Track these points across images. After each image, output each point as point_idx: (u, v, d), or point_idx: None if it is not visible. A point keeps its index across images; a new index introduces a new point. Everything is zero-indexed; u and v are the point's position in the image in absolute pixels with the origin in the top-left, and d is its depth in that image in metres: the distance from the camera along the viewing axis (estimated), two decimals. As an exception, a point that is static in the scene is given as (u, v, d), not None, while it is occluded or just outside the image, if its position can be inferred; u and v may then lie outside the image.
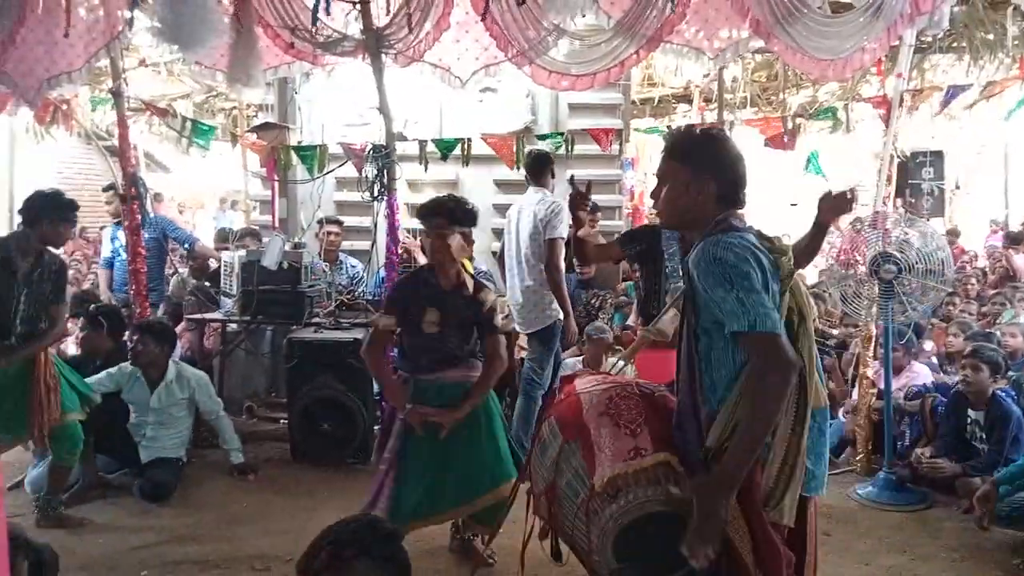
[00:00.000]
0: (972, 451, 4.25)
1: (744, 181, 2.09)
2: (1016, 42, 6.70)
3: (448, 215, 3.33)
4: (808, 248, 3.12)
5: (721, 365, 1.99)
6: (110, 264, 6.38)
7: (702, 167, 2.04)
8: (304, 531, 3.85)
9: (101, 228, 11.61)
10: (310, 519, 4.04)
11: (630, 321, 5.56)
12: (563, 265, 4.66)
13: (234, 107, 8.85)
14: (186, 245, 6.38)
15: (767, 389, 1.88)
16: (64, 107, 5.50)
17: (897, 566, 3.59)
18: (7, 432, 3.97)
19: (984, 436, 4.18)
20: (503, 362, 3.47)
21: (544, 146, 5.24)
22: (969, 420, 4.25)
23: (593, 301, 5.88)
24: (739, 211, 2.09)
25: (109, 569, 3.56)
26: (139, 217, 4.87)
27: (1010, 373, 4.53)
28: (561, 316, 4.69)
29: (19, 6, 4.49)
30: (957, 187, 12.72)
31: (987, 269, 8.84)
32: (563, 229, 4.61)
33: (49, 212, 3.82)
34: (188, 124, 5.38)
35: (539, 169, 4.79)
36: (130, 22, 4.51)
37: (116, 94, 4.75)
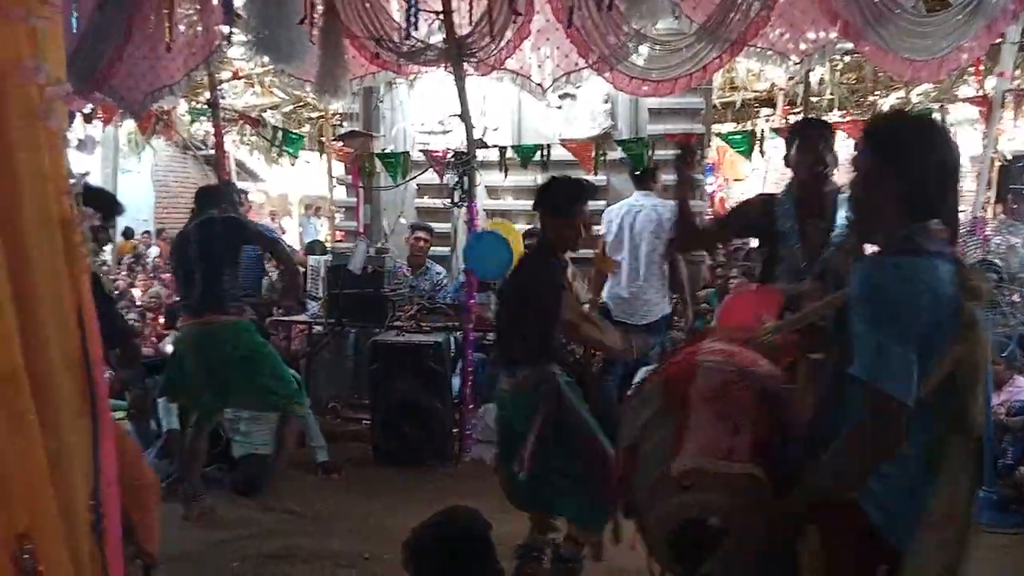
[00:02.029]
0: None
1: (948, 186, 1.74)
2: None
3: (589, 197, 3.32)
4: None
5: (855, 400, 1.71)
6: None
7: (887, 159, 1.73)
8: (385, 530, 3.96)
9: (156, 232, 12.24)
10: (390, 519, 4.13)
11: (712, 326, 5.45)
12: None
13: (320, 116, 9.14)
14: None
15: (860, 450, 1.68)
16: (165, 118, 5.79)
17: (999, 589, 3.42)
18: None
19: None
20: None
21: (623, 153, 5.20)
22: None
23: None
24: (936, 225, 1.74)
25: (202, 560, 3.72)
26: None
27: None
28: (667, 312, 5.04)
29: (125, 26, 4.76)
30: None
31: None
32: None
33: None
34: (279, 133, 5.58)
35: (650, 174, 5.07)
36: (227, 37, 4.73)
37: (213, 105, 4.99)
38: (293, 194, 16.71)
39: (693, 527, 1.91)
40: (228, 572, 3.61)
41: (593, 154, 5.09)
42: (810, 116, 4.71)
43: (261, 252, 6.47)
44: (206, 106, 5.28)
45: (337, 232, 7.45)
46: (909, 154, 1.71)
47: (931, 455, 1.71)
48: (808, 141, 3.05)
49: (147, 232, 12.91)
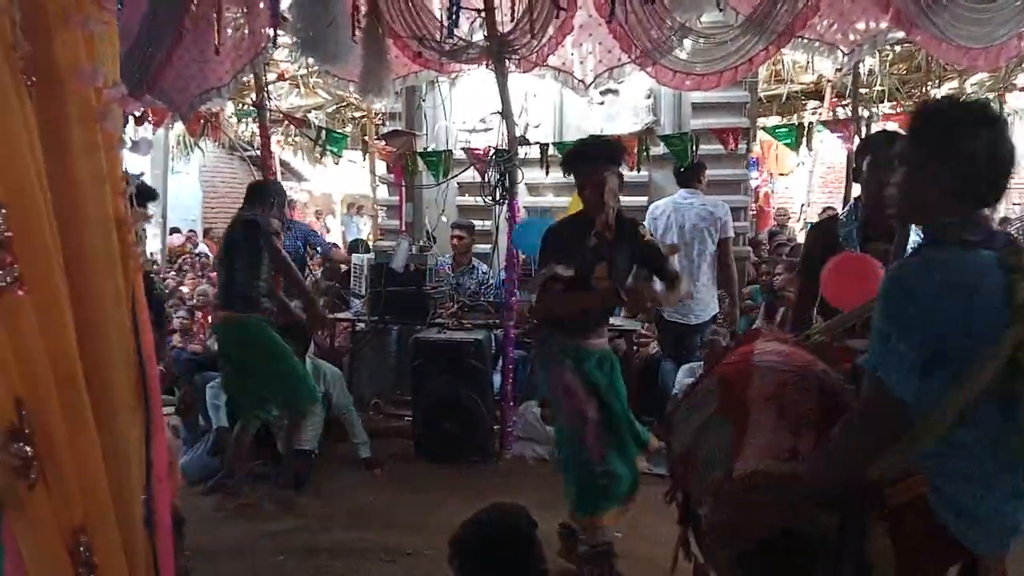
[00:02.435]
0: None
1: (999, 175, 1.67)
2: None
3: (607, 154, 3.16)
4: None
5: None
6: None
7: (933, 148, 1.68)
8: (426, 526, 3.99)
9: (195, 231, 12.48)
10: (432, 515, 4.16)
11: (757, 324, 5.37)
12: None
13: (363, 116, 9.23)
14: (322, 251, 6.87)
15: (853, 439, 1.70)
16: (212, 120, 5.91)
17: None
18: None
19: None
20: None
21: (667, 148, 5.16)
22: None
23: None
24: (983, 213, 1.70)
25: (247, 553, 3.78)
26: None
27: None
28: (716, 311, 5.16)
29: (175, 29, 4.87)
30: None
31: None
32: (732, 230, 5.19)
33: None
34: (323, 133, 5.65)
35: (694, 172, 5.15)
36: (273, 39, 4.80)
37: (259, 106, 5.06)
38: (336, 193, 16.90)
39: (778, 540, 1.84)
40: (272, 565, 3.67)
41: (636, 150, 5.03)
42: (885, 129, 4.54)
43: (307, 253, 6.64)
44: (252, 107, 5.36)
45: (380, 231, 7.52)
46: (956, 142, 1.65)
47: (1005, 447, 1.64)
48: (880, 158, 2.80)
49: (192, 231, 13.19)
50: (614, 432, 3.28)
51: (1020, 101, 7.57)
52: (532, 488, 4.31)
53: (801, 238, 8.75)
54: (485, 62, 4.83)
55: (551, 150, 5.19)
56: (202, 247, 12.29)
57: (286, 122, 7.49)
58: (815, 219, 9.89)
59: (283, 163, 12.46)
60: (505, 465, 4.98)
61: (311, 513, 4.29)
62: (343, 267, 6.45)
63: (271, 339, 4.27)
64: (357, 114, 9.80)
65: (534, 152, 5.45)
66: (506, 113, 4.79)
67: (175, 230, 12.46)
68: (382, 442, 5.29)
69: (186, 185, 13.38)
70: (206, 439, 4.93)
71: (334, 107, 9.40)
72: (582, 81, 4.92)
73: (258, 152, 8.22)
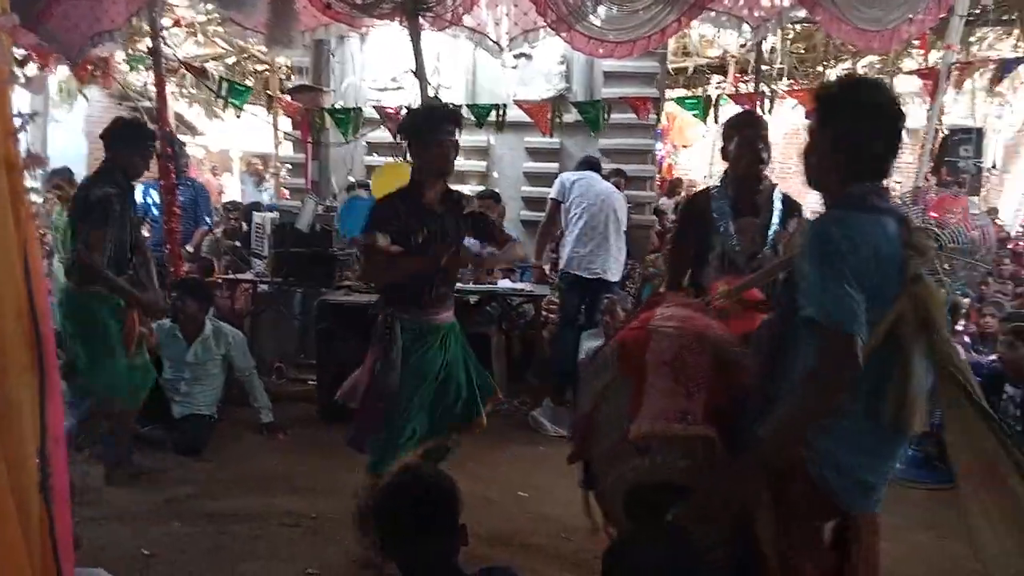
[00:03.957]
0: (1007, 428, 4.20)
1: (888, 147, 1.78)
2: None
3: (454, 121, 3.09)
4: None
5: (807, 351, 1.77)
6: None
7: (831, 124, 1.80)
8: (331, 491, 3.93)
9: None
10: (336, 479, 4.09)
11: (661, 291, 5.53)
12: None
13: (266, 69, 8.84)
14: (205, 224, 6.32)
15: (818, 382, 1.71)
16: (102, 66, 5.51)
17: (924, 543, 3.58)
18: None
19: (1020, 414, 4.13)
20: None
21: (579, 115, 5.20)
22: (1005, 397, 4.21)
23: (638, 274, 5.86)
24: (879, 184, 1.82)
25: (142, 520, 3.63)
26: (174, 176, 4.89)
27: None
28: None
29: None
30: (994, 166, 12.44)
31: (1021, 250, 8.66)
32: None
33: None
34: (224, 84, 5.36)
35: (599, 166, 5.45)
36: (171, -20, 4.51)
37: (154, 53, 4.75)
38: (234, 150, 16.17)
39: (649, 489, 1.93)
40: (167, 533, 3.53)
41: (549, 116, 5.03)
42: (750, 110, 4.83)
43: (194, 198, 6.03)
44: (146, 54, 5.02)
45: (283, 190, 7.26)
46: (854, 118, 1.77)
47: (879, 412, 1.74)
48: (747, 138, 3.01)
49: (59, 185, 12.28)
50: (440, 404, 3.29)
51: (906, 85, 8.00)
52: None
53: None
54: (398, 19, 4.70)
55: (464, 112, 5.11)
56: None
57: (182, 72, 7.07)
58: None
59: (177, 115, 11.80)
60: (412, 428, 4.95)
61: (209, 479, 4.16)
62: (244, 225, 6.20)
63: (89, 319, 3.83)
64: (259, 67, 9.38)
65: (446, 113, 5.35)
66: (419, 72, 4.69)
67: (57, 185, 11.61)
68: (285, 406, 5.17)
69: (69, 136, 12.47)
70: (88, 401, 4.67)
71: (235, 58, 8.96)
72: (496, 43, 4.86)
73: (150, 103, 7.76)
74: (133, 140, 3.77)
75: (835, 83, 1.96)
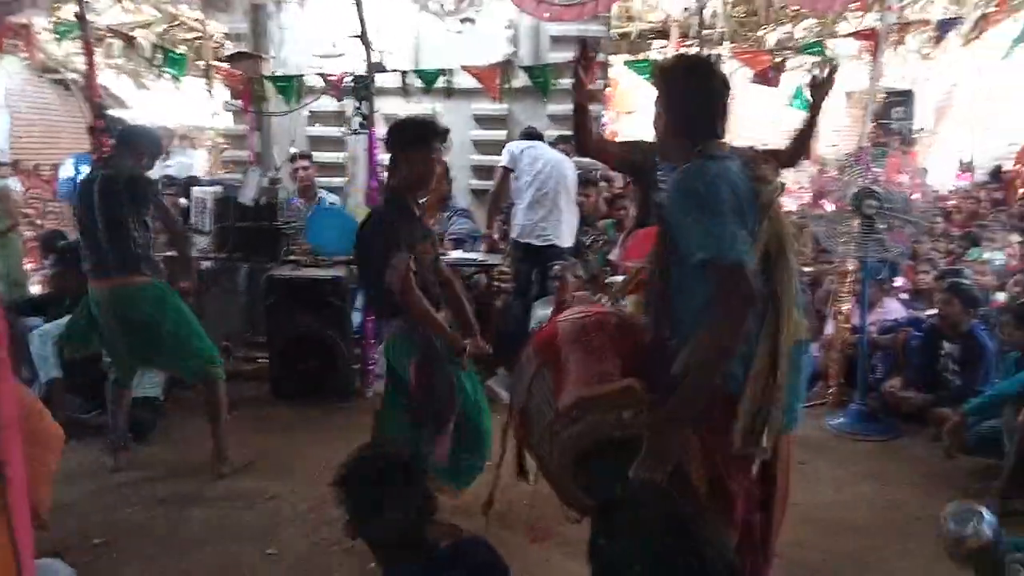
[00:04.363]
0: (941, 383, 4.38)
1: (718, 112, 2.02)
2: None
3: (441, 136, 3.13)
4: (799, 139, 3.29)
5: (692, 296, 1.92)
6: (71, 195, 6.16)
7: (669, 96, 2.05)
8: (287, 469, 3.89)
9: (34, 166, 11.15)
10: (292, 457, 4.05)
11: (612, 256, 5.55)
12: None
13: (198, 37, 8.48)
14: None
15: (724, 319, 1.82)
16: (23, 34, 5.20)
17: (868, 492, 3.72)
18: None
19: (958, 368, 4.30)
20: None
21: (529, 80, 5.14)
22: (943, 353, 4.37)
23: (583, 239, 5.84)
24: (719, 141, 2.02)
25: (90, 508, 3.54)
26: (107, 150, 4.66)
27: (981, 308, 4.64)
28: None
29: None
30: (922, 128, 12.84)
31: (950, 209, 8.99)
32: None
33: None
34: (158, 53, 5.11)
35: (542, 138, 5.40)
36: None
37: (81, 19, 4.48)
38: (165, 122, 15.56)
39: (595, 449, 2.03)
40: (123, 519, 3.45)
41: (498, 80, 4.96)
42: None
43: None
44: (74, 20, 4.73)
45: (221, 163, 7.02)
46: (688, 89, 2.02)
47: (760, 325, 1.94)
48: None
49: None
50: None
51: (843, 48, 8.14)
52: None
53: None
54: (339, -19, 4.54)
55: (411, 78, 5.01)
56: (12, 182, 10.97)
57: (107, 40, 6.73)
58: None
59: (103, 87, 11.30)
60: (367, 403, 4.87)
61: (159, 463, 4.06)
62: (183, 201, 5.98)
63: (178, 304, 3.87)
64: (190, 35, 9.01)
65: (392, 81, 5.24)
66: (364, 37, 4.54)
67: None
68: (235, 385, 4.96)
69: (-14, 110, 11.83)
70: (33, 391, 4.49)
71: (165, 26, 8.58)
72: (442, 6, 4.75)
73: (73, 74, 7.40)
74: None
75: (669, 62, 2.24)
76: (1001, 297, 5.02)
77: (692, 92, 2.02)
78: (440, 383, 3.04)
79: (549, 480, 2.28)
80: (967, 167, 10.54)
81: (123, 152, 3.83)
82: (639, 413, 1.97)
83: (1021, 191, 8.12)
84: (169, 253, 4.21)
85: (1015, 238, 6.37)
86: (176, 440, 4.36)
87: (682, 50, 8.79)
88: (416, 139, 3.03)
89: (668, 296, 2.02)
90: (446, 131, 3.19)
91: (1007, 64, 7.67)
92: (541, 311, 5.02)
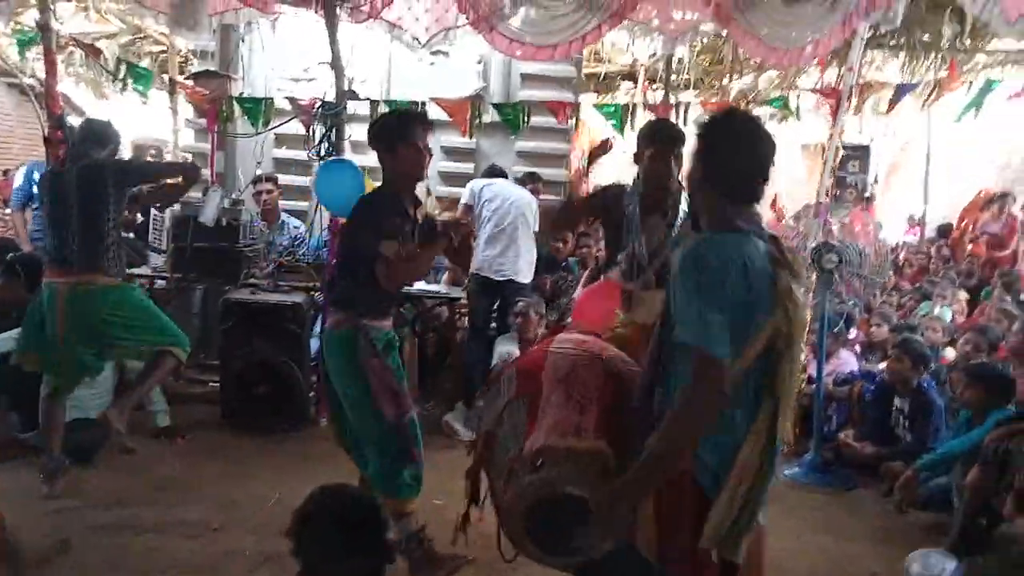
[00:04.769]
0: (894, 437, 4.45)
1: (757, 173, 1.91)
2: (948, 44, 6.99)
3: (429, 125, 3.14)
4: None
5: (681, 370, 1.86)
6: (22, 206, 5.97)
7: (713, 151, 1.93)
8: (235, 499, 3.79)
9: (4, 172, 10.82)
10: (242, 486, 3.95)
11: (575, 295, 5.56)
12: None
13: (163, 51, 8.36)
14: None
15: (691, 409, 1.78)
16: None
17: (824, 543, 3.74)
18: None
19: (908, 424, 4.38)
20: None
21: (498, 116, 5.17)
22: (895, 408, 4.45)
23: (560, 283, 5.82)
24: (750, 208, 1.93)
25: (29, 534, 3.32)
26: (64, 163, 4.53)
27: (931, 365, 4.75)
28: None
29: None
30: (876, 181, 13.26)
31: (901, 263, 9.27)
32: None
33: None
34: (123, 66, 5.01)
35: (505, 176, 5.40)
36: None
37: (44, 28, 4.38)
38: (126, 135, 15.25)
39: (547, 504, 1.98)
40: (59, 547, 3.28)
41: (468, 115, 4.98)
42: (664, 120, 4.79)
43: None
44: (35, 29, 4.62)
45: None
46: (722, 147, 1.92)
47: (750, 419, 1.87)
48: (662, 153, 3.09)
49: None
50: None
51: (801, 100, 8.38)
52: (348, 458, 4.19)
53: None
54: (313, 6, 4.53)
55: (382, 107, 5.00)
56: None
57: (68, 49, 6.59)
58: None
59: (63, 96, 11.03)
60: (320, 432, 4.79)
61: (101, 489, 3.91)
62: (139, 217, 5.84)
63: (145, 302, 3.85)
64: (155, 48, 8.86)
65: (363, 108, 5.23)
66: (335, 64, 4.53)
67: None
68: (184, 409, 4.92)
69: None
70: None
71: (129, 37, 8.43)
72: (416, 39, 4.77)
73: (29, 79, 7.21)
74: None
75: (720, 115, 2.07)
76: (950, 353, 5.14)
77: (739, 152, 1.91)
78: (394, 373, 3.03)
79: (497, 511, 2.22)
80: (916, 222, 10.89)
81: (90, 144, 3.73)
82: (601, 477, 1.94)
83: (968, 247, 8.40)
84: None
85: (962, 295, 6.58)
86: (119, 464, 4.23)
87: (648, 94, 8.98)
88: (398, 134, 3.01)
89: (664, 354, 1.94)
90: (426, 116, 3.20)
91: (957, 125, 8.02)
92: (503, 347, 5.01)
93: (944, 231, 9.55)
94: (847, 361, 5.15)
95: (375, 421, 3.02)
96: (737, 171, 1.91)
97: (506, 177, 5.42)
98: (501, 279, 5.12)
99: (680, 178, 3.10)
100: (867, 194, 10.53)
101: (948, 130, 9.53)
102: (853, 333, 5.75)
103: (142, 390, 3.82)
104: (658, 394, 1.93)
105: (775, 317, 1.82)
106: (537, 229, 5.13)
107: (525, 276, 5.22)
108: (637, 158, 3.22)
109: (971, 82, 5.53)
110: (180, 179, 3.98)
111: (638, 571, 1.61)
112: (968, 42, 6.97)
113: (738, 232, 1.86)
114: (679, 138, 3.18)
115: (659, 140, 3.14)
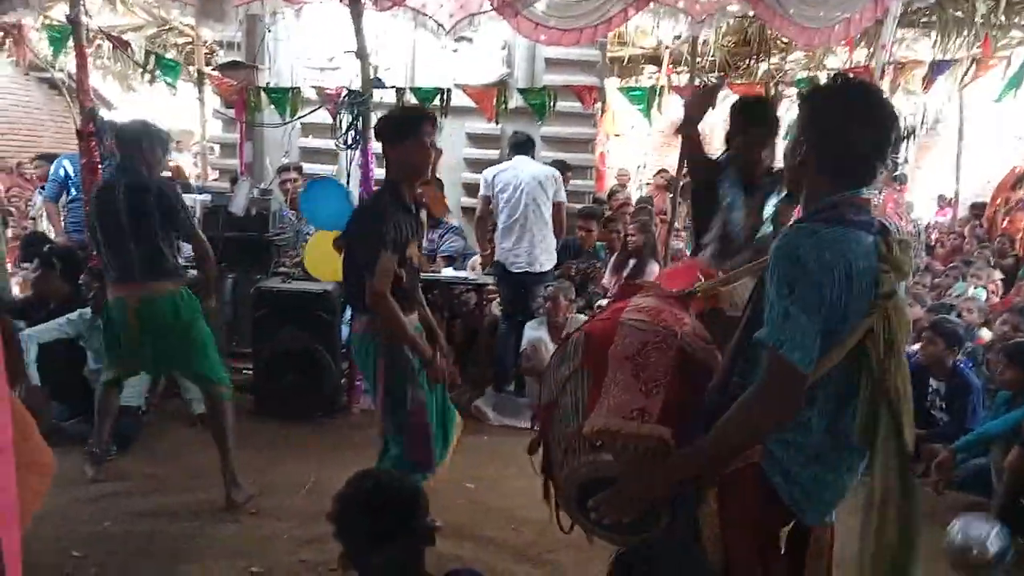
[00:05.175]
0: (931, 419, 4.40)
1: (878, 156, 1.66)
2: (982, 20, 6.84)
3: (434, 123, 3.08)
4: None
5: (761, 367, 1.71)
6: (56, 196, 6.06)
7: (821, 124, 1.70)
8: (271, 485, 3.83)
9: (33, 160, 10.99)
10: (276, 472, 3.99)
11: (605, 281, 5.55)
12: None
13: (189, 43, 8.43)
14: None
15: (754, 412, 1.67)
16: (15, 34, 5.12)
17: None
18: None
19: (944, 405, 4.32)
20: None
21: (524, 102, 5.15)
22: (931, 390, 4.39)
23: (588, 270, 5.76)
24: (863, 193, 1.69)
25: (69, 520, 3.44)
26: (97, 155, 4.59)
27: (967, 345, 4.68)
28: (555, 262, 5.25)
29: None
30: (906, 161, 13.05)
31: (933, 243, 9.12)
32: (564, 195, 5.24)
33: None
34: (152, 58, 5.05)
35: (528, 145, 5.16)
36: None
37: (74, 22, 4.43)
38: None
39: (599, 485, 1.90)
40: (98, 533, 3.36)
41: (494, 101, 4.97)
42: (759, 96, 4.51)
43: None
44: (64, 23, 4.67)
45: (210, 170, 6.95)
46: (830, 119, 1.67)
47: (839, 425, 1.73)
48: (756, 137, 3.03)
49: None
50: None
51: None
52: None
53: (636, 199, 9.13)
54: (338, -5, 4.53)
55: (407, 95, 5.00)
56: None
57: (96, 42, 6.66)
58: (649, 180, 10.37)
59: (92, 88, 11.16)
60: (354, 419, 4.85)
61: (139, 475, 3.98)
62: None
63: (198, 314, 3.78)
64: (181, 40, 8.94)
65: (389, 96, 5.23)
66: (361, 53, 4.53)
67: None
68: (218, 397, 4.97)
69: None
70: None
71: (155, 30, 8.51)
72: (441, 25, 4.75)
73: (59, 74, 7.31)
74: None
75: (826, 83, 1.85)
76: (986, 334, 5.06)
77: (853, 125, 1.65)
78: (405, 387, 3.01)
79: (554, 484, 2.14)
80: (948, 202, 10.70)
81: (134, 156, 3.69)
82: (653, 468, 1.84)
83: (1003, 224, 8.24)
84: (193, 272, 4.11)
85: (997, 275, 6.46)
86: (157, 451, 4.28)
87: (673, 76, 8.89)
88: (405, 129, 2.99)
89: (747, 351, 1.79)
90: (433, 116, 3.15)
91: (986, 103, 7.84)
92: (532, 332, 5.01)
93: (978, 210, 9.38)
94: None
95: (395, 426, 3.06)
96: (849, 149, 1.66)
97: (530, 144, 5.22)
98: (518, 271, 5.10)
99: (777, 157, 3.02)
100: (898, 174, 10.32)
101: (979, 108, 9.34)
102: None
103: (228, 454, 3.74)
104: (734, 388, 1.79)
105: (873, 319, 1.64)
106: (559, 200, 5.09)
107: (543, 265, 5.13)
108: (730, 136, 3.16)
109: (1009, 59, 5.39)
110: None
111: (690, 565, 1.56)
112: (1003, 18, 6.80)
113: (845, 226, 1.64)
114: (775, 116, 3.13)
115: (756, 118, 3.06)
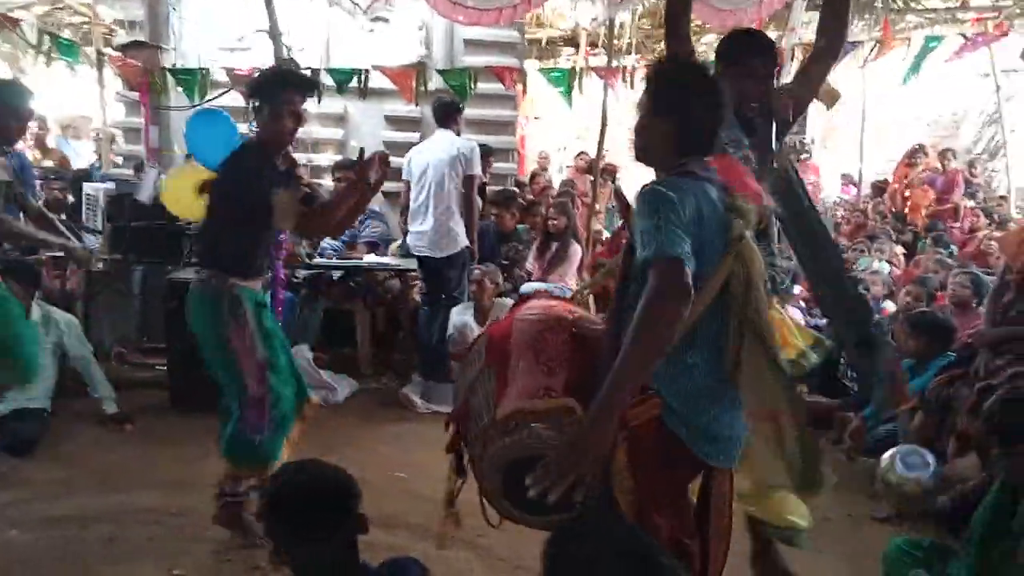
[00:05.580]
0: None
1: (715, 127, 1.93)
2: (882, 4, 7.15)
3: (311, 89, 2.95)
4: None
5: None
6: None
7: (666, 103, 1.91)
8: (193, 482, 3.67)
9: None
10: (196, 470, 3.82)
11: (528, 265, 5.56)
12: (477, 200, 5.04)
13: (85, 22, 7.97)
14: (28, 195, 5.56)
15: (654, 313, 1.70)
16: None
17: (776, 491, 3.85)
18: None
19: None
20: None
21: (444, 83, 5.07)
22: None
23: (511, 254, 5.75)
24: (705, 157, 1.94)
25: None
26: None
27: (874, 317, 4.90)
28: (467, 243, 4.96)
29: None
30: (812, 141, 13.55)
31: (838, 220, 9.52)
32: (479, 168, 4.95)
33: None
34: (46, 38, 4.74)
35: (450, 114, 4.92)
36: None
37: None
38: (47, 111, 14.53)
39: (521, 464, 1.91)
40: (8, 542, 3.16)
41: (413, 83, 4.88)
42: (745, 30, 3.86)
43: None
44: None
45: (112, 156, 6.60)
46: (688, 98, 1.89)
47: (721, 366, 1.87)
48: (740, 69, 2.51)
49: None
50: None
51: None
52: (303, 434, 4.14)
53: (557, 181, 9.18)
54: (248, -28, 4.36)
55: (323, 76, 4.86)
56: None
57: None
58: (569, 163, 10.43)
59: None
60: (273, 412, 4.71)
61: (48, 479, 3.76)
62: (71, 197, 5.59)
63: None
64: (76, 19, 8.46)
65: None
66: (273, 32, 4.39)
67: None
68: (130, 394, 4.75)
69: None
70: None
71: (48, 8, 8.01)
72: (356, 4, 4.64)
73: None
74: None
75: (664, 63, 2.09)
76: (890, 306, 5.31)
77: (693, 103, 1.89)
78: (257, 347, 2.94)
79: (477, 480, 2.20)
80: (851, 180, 11.17)
81: None
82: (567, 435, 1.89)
83: (906, 195, 8.68)
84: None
85: (899, 249, 6.79)
86: (65, 454, 4.07)
87: (591, 59, 8.96)
88: (264, 91, 2.83)
89: (625, 306, 1.88)
90: (313, 83, 3.02)
91: (887, 84, 8.21)
92: (458, 317, 4.98)
93: (880, 188, 9.83)
94: (794, 317, 5.25)
95: (237, 388, 2.99)
96: (692, 124, 1.89)
97: (451, 110, 4.96)
98: (420, 255, 5.01)
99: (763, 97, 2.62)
100: (804, 154, 10.72)
101: (880, 89, 9.77)
102: (797, 289, 5.89)
103: None
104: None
105: (728, 261, 1.83)
106: (470, 173, 4.90)
107: (443, 249, 4.94)
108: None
109: (908, 40, 5.65)
110: None
111: (617, 529, 1.60)
112: (900, 3, 7.13)
113: (693, 179, 1.86)
114: (761, 51, 2.62)
115: (736, 55, 2.58)
